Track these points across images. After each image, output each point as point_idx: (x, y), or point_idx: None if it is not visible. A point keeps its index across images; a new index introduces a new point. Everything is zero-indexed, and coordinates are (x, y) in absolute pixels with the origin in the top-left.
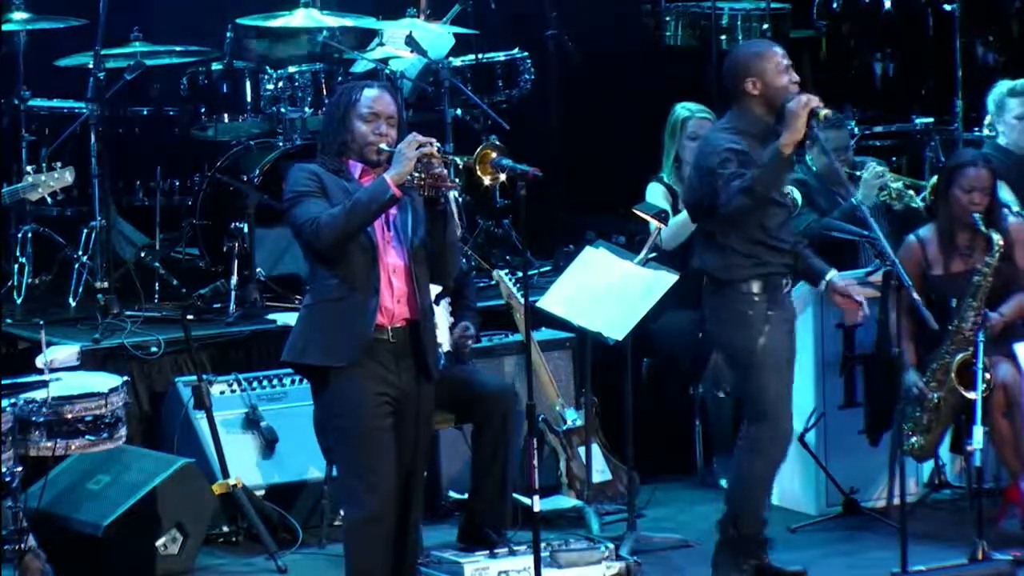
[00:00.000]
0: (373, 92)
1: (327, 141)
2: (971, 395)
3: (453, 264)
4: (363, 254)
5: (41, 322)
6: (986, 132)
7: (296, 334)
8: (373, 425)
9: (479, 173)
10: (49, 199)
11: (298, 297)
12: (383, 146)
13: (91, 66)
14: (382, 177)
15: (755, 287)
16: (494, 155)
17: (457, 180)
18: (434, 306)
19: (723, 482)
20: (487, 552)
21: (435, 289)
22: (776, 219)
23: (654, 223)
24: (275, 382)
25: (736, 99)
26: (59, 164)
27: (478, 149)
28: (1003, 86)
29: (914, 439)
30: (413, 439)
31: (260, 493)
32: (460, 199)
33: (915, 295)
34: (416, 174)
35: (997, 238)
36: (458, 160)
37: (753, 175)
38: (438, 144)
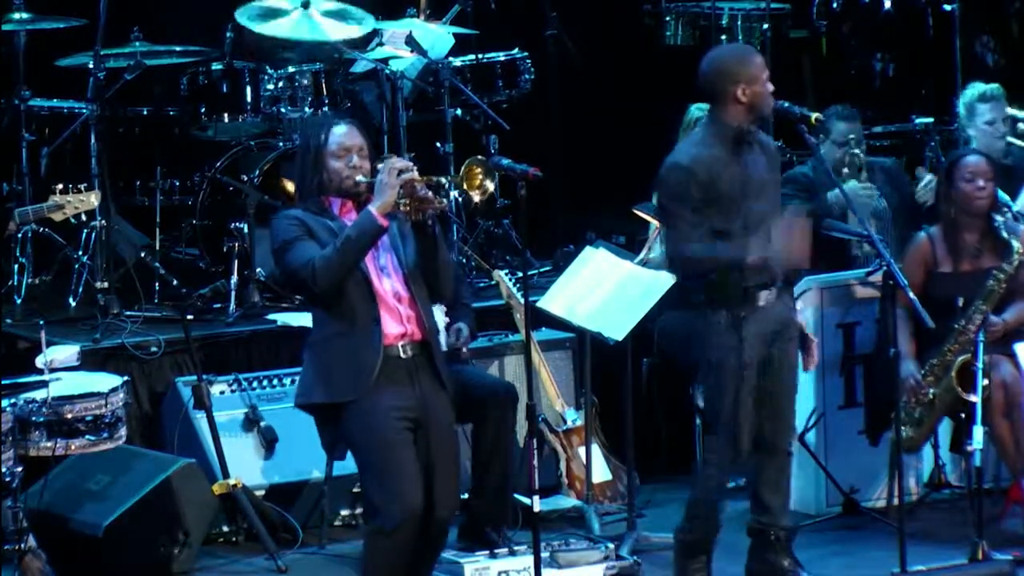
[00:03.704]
0: (341, 128)
1: (305, 185)
2: (971, 398)
3: (447, 282)
4: (358, 288)
5: (41, 322)
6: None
7: (304, 375)
8: (394, 440)
9: (467, 189)
10: (73, 220)
11: (298, 297)
12: (359, 178)
13: (91, 66)
14: (367, 210)
15: (690, 308)
16: (479, 169)
17: (444, 201)
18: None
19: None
20: (487, 552)
21: (439, 314)
22: (732, 224)
23: (654, 223)
24: (275, 382)
25: (718, 103)
26: (84, 186)
27: (463, 167)
28: (974, 90)
29: (903, 430)
30: (436, 452)
31: (260, 493)
32: (459, 199)
33: (911, 295)
34: (401, 200)
35: (1017, 245)
36: (443, 180)
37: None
38: (414, 167)
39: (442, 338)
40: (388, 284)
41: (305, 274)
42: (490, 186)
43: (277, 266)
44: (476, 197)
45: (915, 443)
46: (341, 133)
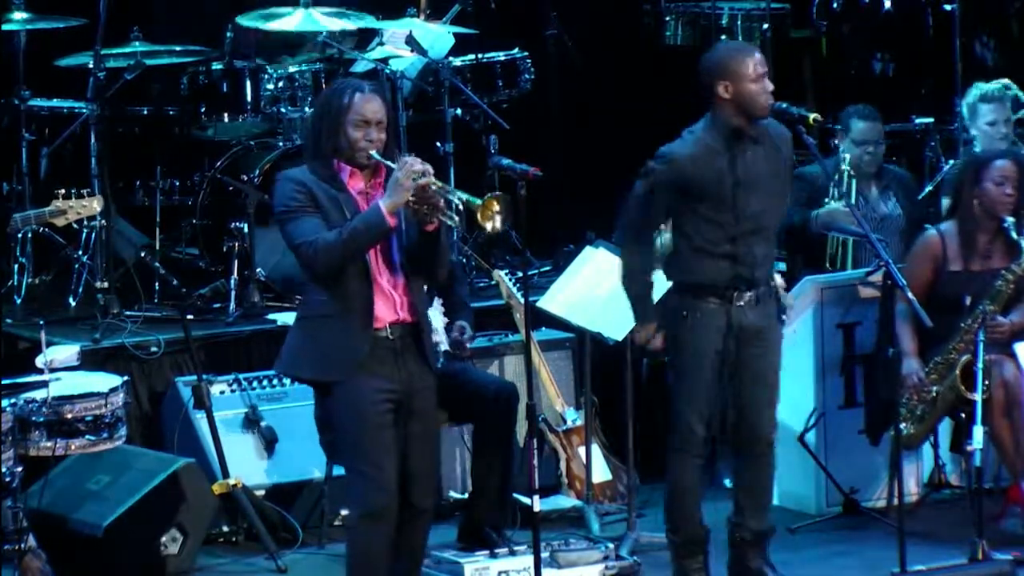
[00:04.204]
0: (364, 97)
1: (318, 145)
2: (974, 397)
3: (444, 268)
4: (356, 273)
5: (41, 322)
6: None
7: (289, 346)
8: (375, 423)
9: (480, 220)
10: (75, 225)
11: (298, 297)
12: (373, 152)
13: (91, 66)
14: (377, 206)
15: (675, 293)
16: (498, 206)
17: (456, 217)
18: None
19: (727, 482)
20: (487, 552)
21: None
22: (723, 221)
23: None
24: (275, 382)
25: (710, 99)
26: (87, 192)
27: (487, 197)
28: (976, 91)
29: (903, 426)
30: (418, 436)
31: (260, 493)
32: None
33: (910, 295)
34: (412, 199)
35: None
36: (456, 200)
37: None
38: (431, 172)
39: (443, 336)
40: (386, 267)
41: (306, 252)
42: (499, 222)
43: (279, 229)
44: (487, 227)
45: (915, 440)
46: (364, 102)
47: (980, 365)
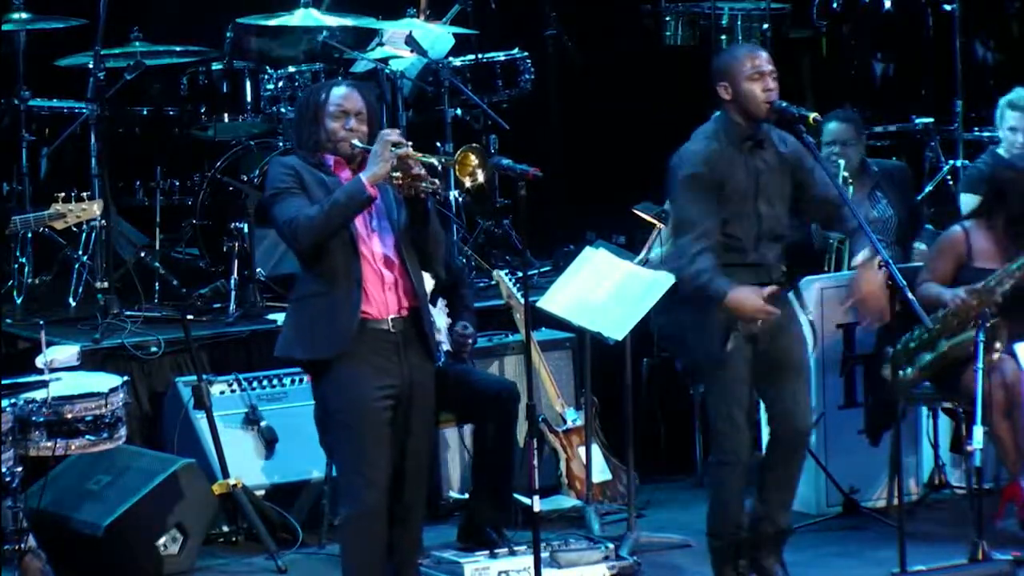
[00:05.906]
0: (341, 90)
1: (302, 139)
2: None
3: (438, 252)
4: (343, 248)
5: (41, 322)
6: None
7: (284, 329)
8: (372, 420)
9: (458, 174)
10: (75, 228)
11: None
12: (355, 141)
13: (91, 66)
14: (358, 178)
15: (693, 298)
16: (474, 158)
17: (437, 181)
18: (431, 306)
19: None
20: (487, 552)
21: (429, 283)
22: (742, 227)
23: (655, 223)
24: (275, 382)
25: (720, 105)
26: (87, 195)
27: (458, 152)
28: (1011, 95)
29: (899, 371)
30: (415, 431)
31: (260, 493)
32: (460, 199)
33: (910, 295)
34: (394, 174)
35: None
36: (435, 162)
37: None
38: (409, 143)
39: (445, 337)
40: (378, 247)
41: (288, 230)
42: (480, 176)
43: (268, 213)
44: (467, 182)
45: (908, 384)
46: (341, 95)
47: (980, 366)
